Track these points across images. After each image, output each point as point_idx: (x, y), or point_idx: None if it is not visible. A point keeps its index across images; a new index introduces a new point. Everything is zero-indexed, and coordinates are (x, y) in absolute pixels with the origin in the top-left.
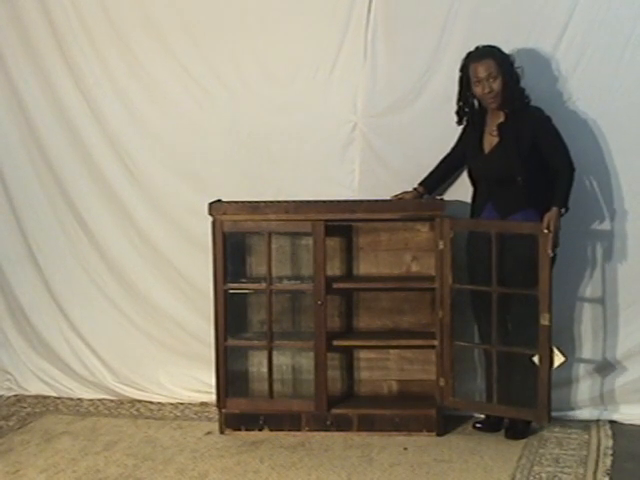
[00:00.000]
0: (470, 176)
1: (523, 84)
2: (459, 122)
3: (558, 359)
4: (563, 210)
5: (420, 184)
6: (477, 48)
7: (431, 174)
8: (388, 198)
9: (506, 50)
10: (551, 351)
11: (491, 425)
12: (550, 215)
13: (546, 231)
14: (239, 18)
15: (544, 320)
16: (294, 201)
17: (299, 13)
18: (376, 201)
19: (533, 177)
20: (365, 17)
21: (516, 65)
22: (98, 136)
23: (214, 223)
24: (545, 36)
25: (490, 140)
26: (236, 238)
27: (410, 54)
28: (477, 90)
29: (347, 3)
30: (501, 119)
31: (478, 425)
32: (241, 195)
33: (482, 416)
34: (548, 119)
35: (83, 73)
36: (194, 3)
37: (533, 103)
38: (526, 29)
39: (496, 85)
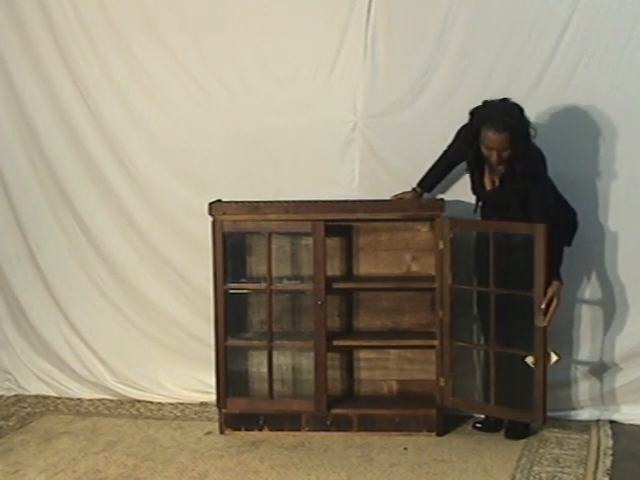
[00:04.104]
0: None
1: (523, 84)
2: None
3: (551, 358)
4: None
5: (418, 185)
6: (497, 113)
7: (428, 174)
8: (388, 198)
9: (506, 51)
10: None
11: (491, 425)
12: (554, 291)
13: (543, 306)
14: (239, 18)
15: (539, 322)
16: (294, 201)
17: (299, 13)
18: (376, 201)
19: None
20: (365, 17)
21: (530, 126)
22: (97, 136)
23: (214, 223)
24: (545, 36)
25: (491, 179)
26: (236, 238)
27: (410, 54)
28: (485, 152)
29: (347, 3)
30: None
31: (478, 425)
32: (241, 195)
33: (482, 416)
34: (542, 186)
35: (82, 73)
36: (194, 3)
37: (534, 103)
38: (526, 29)
39: (506, 154)
